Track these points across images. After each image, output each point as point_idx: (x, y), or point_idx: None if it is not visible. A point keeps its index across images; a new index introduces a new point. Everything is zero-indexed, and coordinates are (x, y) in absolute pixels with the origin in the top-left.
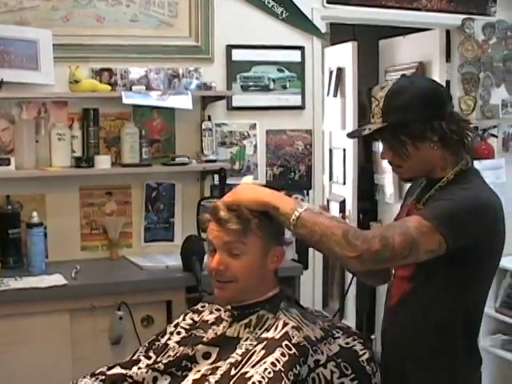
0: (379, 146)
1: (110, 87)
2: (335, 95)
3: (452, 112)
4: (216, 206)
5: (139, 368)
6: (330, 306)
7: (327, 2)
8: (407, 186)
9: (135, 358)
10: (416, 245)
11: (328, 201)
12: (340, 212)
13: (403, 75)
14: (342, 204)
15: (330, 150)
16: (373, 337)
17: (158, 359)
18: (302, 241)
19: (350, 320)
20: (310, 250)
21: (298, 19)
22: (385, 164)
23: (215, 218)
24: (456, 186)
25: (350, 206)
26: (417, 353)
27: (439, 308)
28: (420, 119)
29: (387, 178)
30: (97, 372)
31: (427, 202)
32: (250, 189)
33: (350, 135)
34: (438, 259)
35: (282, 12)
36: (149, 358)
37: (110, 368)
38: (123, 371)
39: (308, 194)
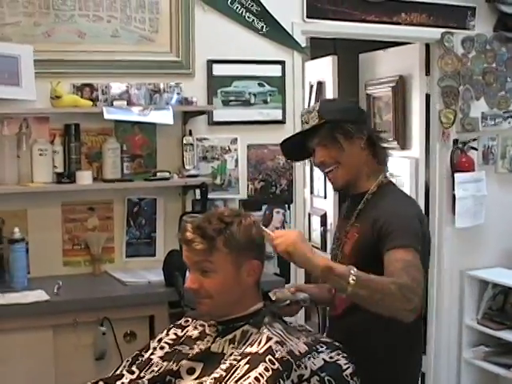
0: None
1: (91, 103)
2: None
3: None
4: (184, 226)
5: (122, 383)
6: (312, 319)
7: (307, 17)
8: None
9: (118, 373)
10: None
11: (309, 215)
12: (321, 226)
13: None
14: (323, 217)
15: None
16: None
17: (142, 374)
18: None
19: None
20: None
21: (278, 34)
22: None
23: (182, 239)
24: (383, 200)
25: (331, 220)
26: (371, 351)
27: None
28: (351, 120)
29: None
30: None
31: (359, 215)
32: (303, 246)
33: (284, 142)
34: (378, 269)
35: (262, 27)
36: (132, 373)
37: None
38: None
39: (289, 208)
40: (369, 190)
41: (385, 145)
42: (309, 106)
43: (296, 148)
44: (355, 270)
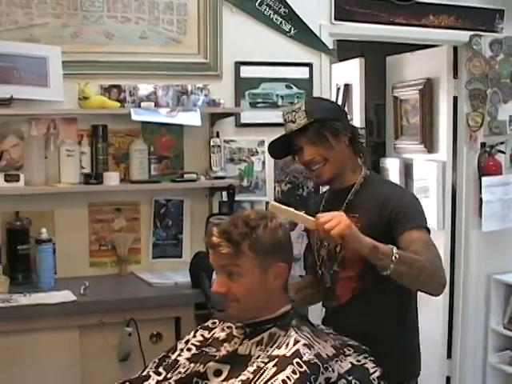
0: (387, 162)
1: (118, 104)
2: None
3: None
4: (210, 230)
5: None
6: None
7: (335, 19)
8: None
9: (145, 374)
10: None
11: None
12: None
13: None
14: None
15: None
16: None
17: (169, 376)
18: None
19: None
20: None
21: (306, 36)
22: (392, 180)
23: (208, 243)
24: (379, 187)
25: None
26: (378, 336)
27: (398, 293)
28: (337, 118)
29: None
30: None
31: (350, 206)
32: (354, 227)
33: (272, 143)
34: None
35: (290, 29)
36: (159, 374)
37: None
38: None
39: None
40: (356, 182)
41: (363, 142)
42: None
43: (279, 146)
44: (396, 248)
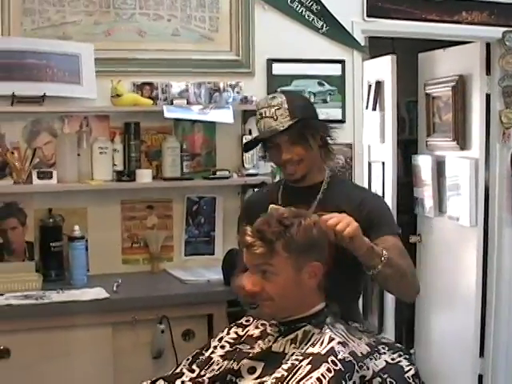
0: (419, 159)
1: (151, 101)
2: (374, 109)
3: None
4: (244, 230)
5: (182, 382)
6: (370, 320)
7: (367, 16)
8: (446, 199)
9: (178, 371)
10: None
11: None
12: None
13: (282, 91)
14: None
15: (369, 164)
16: (412, 351)
17: (202, 373)
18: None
19: (390, 333)
20: None
21: (338, 33)
22: (424, 177)
23: (241, 243)
24: (348, 187)
25: None
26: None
27: (357, 282)
28: (315, 117)
29: (427, 191)
30: None
31: (321, 204)
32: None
33: (249, 143)
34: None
35: (322, 26)
36: (192, 371)
37: (153, 382)
38: None
39: None
40: (323, 181)
41: (331, 141)
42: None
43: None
44: (386, 250)
